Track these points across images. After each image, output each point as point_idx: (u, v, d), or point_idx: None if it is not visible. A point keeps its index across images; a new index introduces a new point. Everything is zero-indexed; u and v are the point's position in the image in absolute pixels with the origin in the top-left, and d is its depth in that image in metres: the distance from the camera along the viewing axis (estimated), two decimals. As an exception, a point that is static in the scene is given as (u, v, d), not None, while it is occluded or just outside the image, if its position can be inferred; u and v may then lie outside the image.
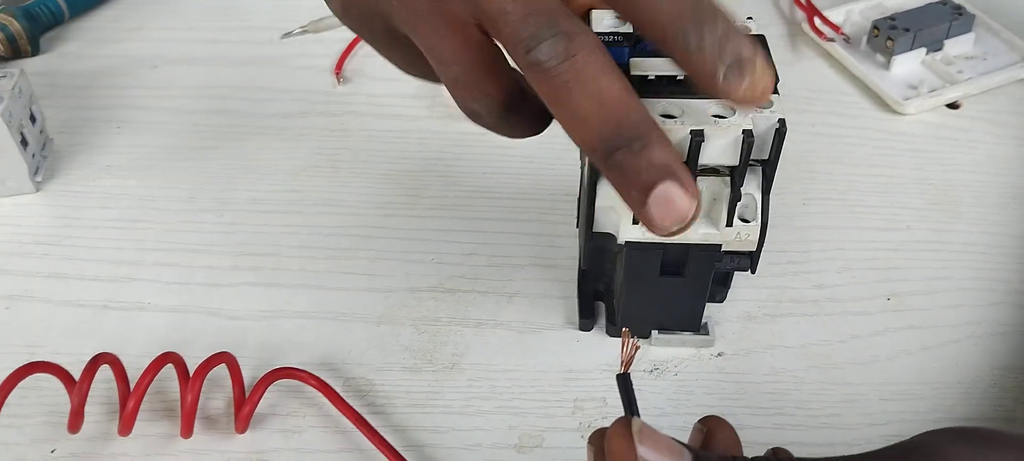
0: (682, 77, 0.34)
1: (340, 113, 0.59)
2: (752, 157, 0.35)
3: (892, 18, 0.61)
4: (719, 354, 0.44)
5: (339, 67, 0.62)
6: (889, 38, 0.60)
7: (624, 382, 0.32)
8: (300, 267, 0.49)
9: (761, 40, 0.35)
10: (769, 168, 0.37)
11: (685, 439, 0.31)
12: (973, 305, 0.47)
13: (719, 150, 0.34)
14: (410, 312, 0.46)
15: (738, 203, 0.37)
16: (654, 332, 0.44)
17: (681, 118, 0.34)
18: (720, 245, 0.39)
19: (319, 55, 0.64)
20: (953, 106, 0.60)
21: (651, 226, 0.29)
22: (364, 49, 0.65)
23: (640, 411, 0.30)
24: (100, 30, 0.68)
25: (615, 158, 0.28)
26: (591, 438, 0.31)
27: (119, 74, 0.64)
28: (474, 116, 0.32)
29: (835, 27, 0.64)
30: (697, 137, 0.33)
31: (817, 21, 0.64)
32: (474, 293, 0.47)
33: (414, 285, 0.48)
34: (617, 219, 0.38)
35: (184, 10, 0.70)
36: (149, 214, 0.52)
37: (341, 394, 0.41)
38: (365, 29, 0.36)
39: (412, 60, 0.34)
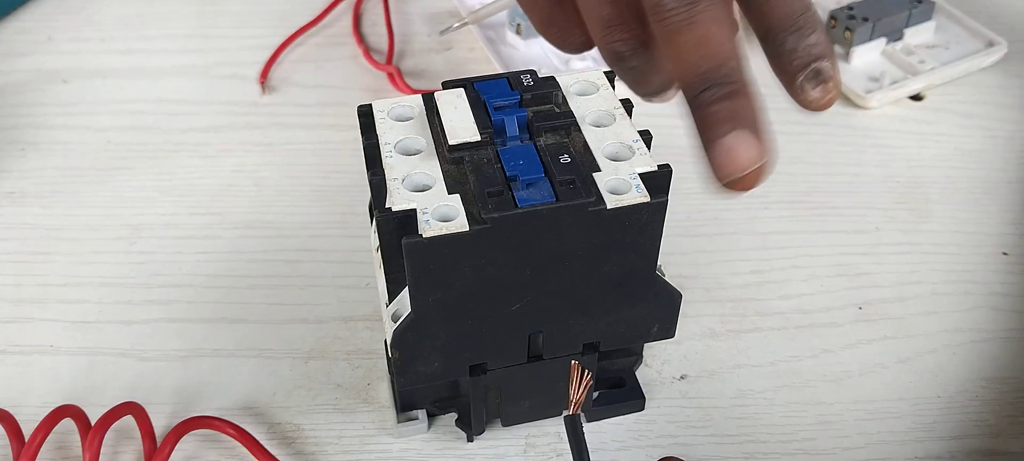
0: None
1: (265, 125, 0.55)
2: None
3: (850, 7, 0.58)
4: (682, 377, 0.40)
5: (264, 75, 0.58)
6: (847, 28, 0.57)
7: (573, 426, 0.28)
8: (219, 299, 0.44)
9: None
10: None
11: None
12: (948, 311, 0.44)
13: None
14: (343, 345, 0.42)
15: None
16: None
17: None
18: None
19: (243, 63, 0.59)
20: (916, 98, 0.57)
21: (715, 170, 0.29)
22: (292, 55, 0.60)
23: (595, 449, 0.27)
24: (5, 42, 0.63)
25: (703, 96, 0.29)
26: None
27: (25, 90, 0.59)
28: (618, 57, 0.31)
29: (790, 18, 0.60)
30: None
31: (771, 12, 0.61)
32: (414, 320, 0.43)
33: (348, 314, 0.43)
34: None
35: (98, 19, 0.65)
36: (54, 245, 0.47)
37: (264, 444, 0.37)
38: None
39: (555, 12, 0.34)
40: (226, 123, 0.55)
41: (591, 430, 0.38)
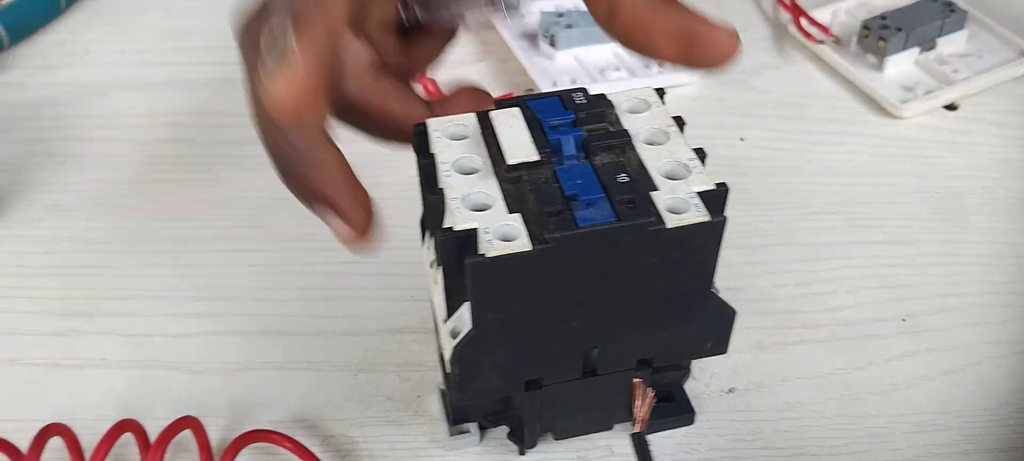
0: None
1: (305, 138, 0.55)
2: None
3: (883, 17, 0.58)
4: (730, 390, 0.41)
5: (302, 88, 0.58)
6: (881, 38, 0.57)
7: (640, 443, 0.28)
8: (268, 312, 0.45)
9: None
10: None
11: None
12: (990, 322, 0.44)
13: None
14: (392, 358, 0.43)
15: None
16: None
17: None
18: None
19: (280, 76, 0.60)
20: (951, 107, 0.57)
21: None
22: (328, 67, 0.61)
23: None
24: (43, 56, 0.63)
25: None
26: None
27: (65, 103, 0.59)
28: None
29: (823, 28, 0.61)
30: None
31: (804, 22, 0.61)
32: (460, 332, 0.43)
33: (395, 326, 0.44)
34: None
35: (134, 31, 0.66)
36: (100, 258, 0.48)
37: (319, 456, 0.37)
38: None
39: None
40: (265, 135, 0.55)
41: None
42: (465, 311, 0.32)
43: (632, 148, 0.33)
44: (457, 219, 0.31)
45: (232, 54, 0.35)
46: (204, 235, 0.49)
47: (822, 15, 0.62)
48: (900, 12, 0.59)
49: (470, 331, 0.32)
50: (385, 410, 0.40)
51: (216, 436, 0.39)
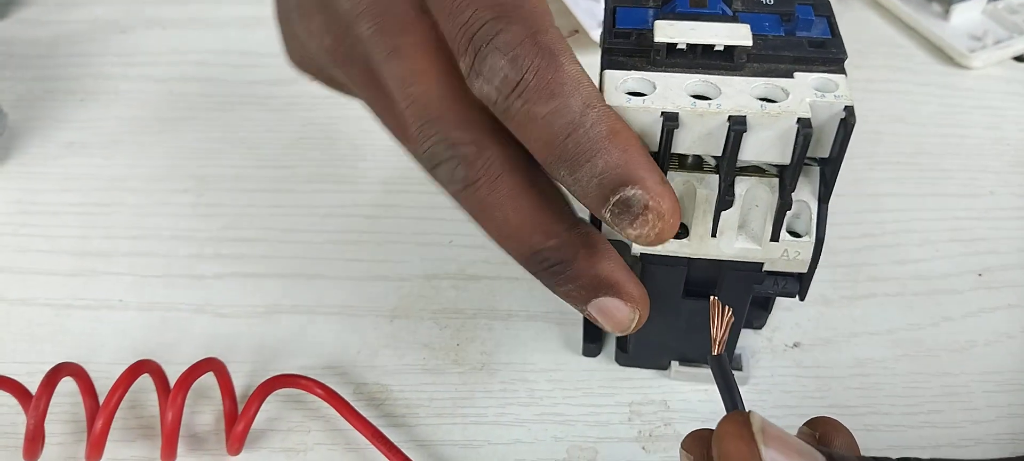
0: (722, 47, 0.28)
1: (335, 78, 0.52)
2: (811, 155, 0.28)
3: (950, -39, 0.55)
4: (795, 345, 0.38)
5: (331, 27, 0.55)
6: (947, -16, 0.54)
7: (720, 366, 0.25)
8: (295, 254, 0.42)
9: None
10: (830, 170, 0.28)
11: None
12: (1074, 279, 0.41)
13: (765, 144, 0.27)
14: (428, 304, 0.40)
15: (787, 212, 0.29)
16: (674, 364, 0.36)
17: (717, 100, 0.26)
18: (762, 264, 0.31)
19: (308, 15, 0.57)
20: (1021, 59, 0.53)
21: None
22: (358, 8, 0.58)
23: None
24: (60, -8, 0.60)
25: (541, 277, 0.27)
26: (687, 445, 0.25)
27: (83, 40, 0.56)
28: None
29: (883, -27, 0.57)
30: (737, 127, 0.26)
31: (862, -33, 0.58)
32: (501, 279, 0.41)
33: (431, 272, 0.41)
34: None
35: (154, -32, 0.63)
36: (118, 196, 0.45)
37: (352, 403, 0.34)
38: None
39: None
40: (292, 77, 0.52)
41: (702, 394, 0.36)
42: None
43: None
44: None
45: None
46: (226, 174, 0.46)
47: (882, -40, 0.58)
48: (967, -43, 0.55)
49: None
50: (422, 357, 0.37)
51: (241, 382, 0.36)
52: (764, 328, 0.38)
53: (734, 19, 0.29)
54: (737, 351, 0.36)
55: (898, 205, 0.44)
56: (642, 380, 0.36)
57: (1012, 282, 0.41)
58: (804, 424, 0.27)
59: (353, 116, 0.49)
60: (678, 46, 0.28)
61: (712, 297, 0.26)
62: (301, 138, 0.48)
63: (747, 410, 0.23)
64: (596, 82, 0.27)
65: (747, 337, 0.38)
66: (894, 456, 0.23)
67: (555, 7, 0.56)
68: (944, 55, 0.53)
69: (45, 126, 0.50)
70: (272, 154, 0.47)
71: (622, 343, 0.37)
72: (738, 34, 0.28)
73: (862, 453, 0.25)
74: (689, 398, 0.36)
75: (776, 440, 0.22)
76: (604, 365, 0.37)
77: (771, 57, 0.28)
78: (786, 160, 0.27)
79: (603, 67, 0.28)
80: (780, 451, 0.22)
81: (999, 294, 0.40)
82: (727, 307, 0.26)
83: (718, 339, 0.25)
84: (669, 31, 0.28)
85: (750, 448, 0.22)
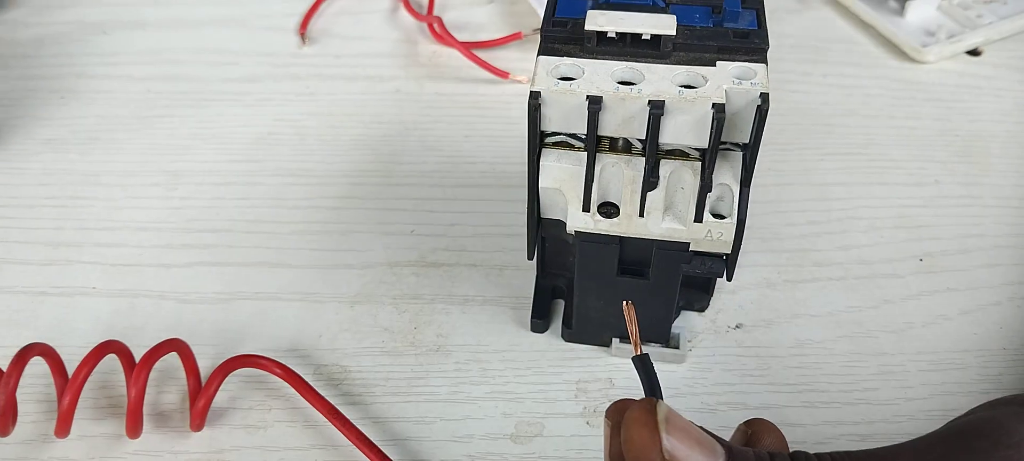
0: (648, 36, 0.29)
1: (305, 76, 0.54)
2: (730, 139, 0.29)
3: (905, -40, 0.56)
4: (738, 326, 0.39)
5: (304, 26, 0.57)
6: (903, -20, 0.55)
7: (644, 365, 0.27)
8: (260, 244, 0.43)
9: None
10: (749, 154, 0.30)
11: (703, 425, 0.26)
12: (1011, 264, 0.42)
13: (684, 128, 0.28)
14: (389, 289, 0.41)
15: (710, 194, 0.30)
16: (615, 341, 0.38)
17: (640, 85, 0.28)
18: (688, 244, 0.32)
19: (282, 14, 0.58)
20: (974, 53, 0.55)
21: None
22: (332, 7, 0.59)
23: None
24: (44, -5, 0.62)
25: None
26: (609, 412, 0.27)
27: (67, 41, 0.58)
28: None
29: (842, -28, 0.59)
30: (656, 111, 0.28)
31: (822, -33, 0.59)
32: (459, 266, 0.42)
33: (392, 260, 0.43)
34: (564, 203, 0.32)
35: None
36: (92, 190, 0.47)
37: (311, 383, 0.36)
38: None
39: None
40: (265, 73, 0.54)
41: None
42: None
43: None
44: None
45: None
46: (198, 168, 0.48)
47: (841, -40, 0.60)
48: (923, -45, 0.57)
49: None
50: (381, 340, 0.39)
51: (205, 364, 0.38)
52: (708, 310, 0.39)
53: (663, 10, 0.31)
54: (675, 331, 0.38)
55: (846, 194, 0.45)
56: (590, 359, 0.38)
57: (952, 266, 0.42)
58: (742, 423, 0.28)
59: (322, 112, 0.51)
60: (609, 34, 0.30)
61: (625, 302, 0.27)
62: (271, 133, 0.50)
63: (659, 400, 0.25)
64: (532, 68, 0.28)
65: (690, 318, 0.39)
66: (811, 451, 0.25)
67: (521, 8, 0.58)
68: (899, 50, 0.54)
69: (26, 123, 0.51)
70: (243, 149, 0.49)
71: (567, 319, 0.38)
72: (663, 23, 0.29)
73: (792, 449, 0.26)
74: (632, 375, 0.36)
75: (678, 430, 0.24)
76: (555, 345, 0.39)
77: (696, 46, 0.30)
78: (704, 144, 0.29)
79: (538, 53, 0.30)
80: (681, 440, 0.24)
81: (939, 278, 0.41)
82: (633, 307, 0.27)
83: (636, 339, 0.27)
84: (599, 20, 0.29)
85: (652, 435, 0.24)
